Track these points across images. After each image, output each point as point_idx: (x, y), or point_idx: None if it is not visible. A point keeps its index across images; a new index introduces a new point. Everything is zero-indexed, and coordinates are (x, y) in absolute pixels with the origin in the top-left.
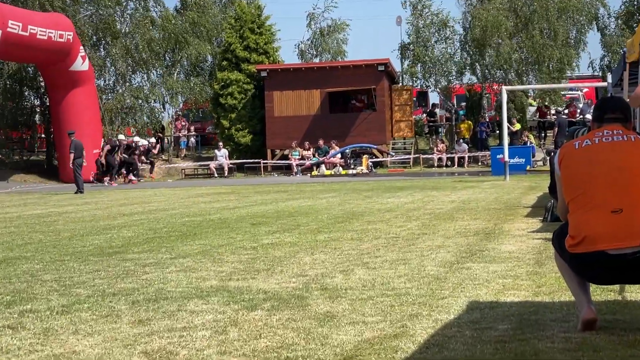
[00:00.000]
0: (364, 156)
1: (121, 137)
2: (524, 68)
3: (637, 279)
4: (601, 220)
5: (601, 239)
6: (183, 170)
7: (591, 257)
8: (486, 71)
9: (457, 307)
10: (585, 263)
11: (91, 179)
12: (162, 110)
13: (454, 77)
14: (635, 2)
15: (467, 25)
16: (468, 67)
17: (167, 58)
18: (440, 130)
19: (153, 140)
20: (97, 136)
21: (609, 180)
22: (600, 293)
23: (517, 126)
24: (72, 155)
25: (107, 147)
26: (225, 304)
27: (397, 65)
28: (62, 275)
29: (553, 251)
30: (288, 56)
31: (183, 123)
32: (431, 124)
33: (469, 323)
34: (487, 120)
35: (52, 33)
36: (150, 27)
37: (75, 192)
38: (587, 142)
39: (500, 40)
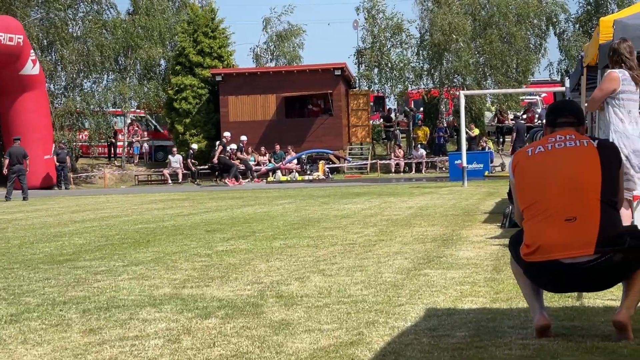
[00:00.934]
0: (321, 162)
1: (227, 134)
2: (482, 73)
3: (591, 288)
4: (555, 229)
5: (555, 248)
6: (136, 177)
7: (546, 266)
8: (444, 76)
9: (414, 314)
10: (540, 272)
11: (196, 182)
12: (114, 115)
13: (411, 82)
14: (591, 6)
15: (425, 30)
16: (425, 72)
17: (120, 62)
18: (397, 135)
19: (244, 138)
20: (48, 141)
21: (562, 188)
22: (558, 299)
23: (476, 131)
24: (6, 162)
25: (220, 147)
26: (179, 312)
27: (354, 70)
28: (11, 284)
29: (509, 257)
30: (243, 60)
31: (136, 128)
32: (387, 129)
33: (426, 330)
34: (445, 125)
35: (1, 36)
36: (103, 31)
37: (5, 199)
38: (540, 148)
39: (460, 45)
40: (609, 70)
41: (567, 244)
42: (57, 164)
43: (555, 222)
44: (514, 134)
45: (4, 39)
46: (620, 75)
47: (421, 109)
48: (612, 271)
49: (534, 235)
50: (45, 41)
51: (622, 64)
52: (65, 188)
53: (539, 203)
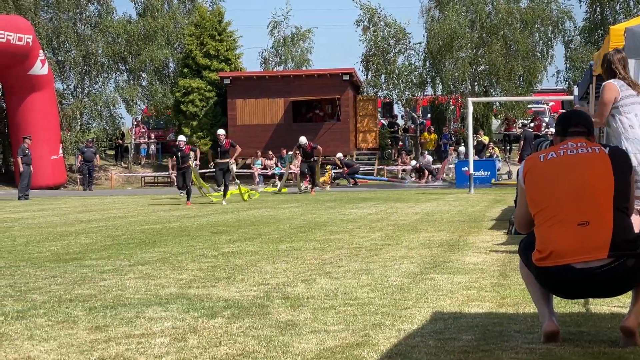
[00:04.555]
0: (327, 166)
1: (182, 138)
2: (487, 81)
3: (602, 294)
4: (567, 234)
5: (568, 252)
6: (143, 178)
7: (558, 271)
8: (450, 83)
9: (420, 318)
10: (552, 277)
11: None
12: (122, 116)
13: (416, 88)
14: (597, 18)
15: (428, 35)
16: (430, 79)
17: (129, 63)
18: (405, 141)
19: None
20: (56, 142)
21: (575, 193)
22: (565, 305)
23: (486, 138)
24: (19, 160)
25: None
26: (185, 311)
27: (362, 76)
28: (18, 281)
29: (519, 261)
30: (251, 64)
31: (143, 130)
32: (393, 134)
33: (433, 333)
34: (452, 132)
35: (10, 36)
36: (111, 31)
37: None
38: (552, 154)
39: (462, 54)
40: (605, 82)
41: (579, 249)
42: (82, 162)
43: (567, 227)
44: (522, 142)
45: (13, 38)
46: (616, 84)
47: (428, 115)
48: (624, 277)
49: (546, 240)
50: (54, 41)
51: (616, 75)
52: (89, 189)
53: (551, 208)
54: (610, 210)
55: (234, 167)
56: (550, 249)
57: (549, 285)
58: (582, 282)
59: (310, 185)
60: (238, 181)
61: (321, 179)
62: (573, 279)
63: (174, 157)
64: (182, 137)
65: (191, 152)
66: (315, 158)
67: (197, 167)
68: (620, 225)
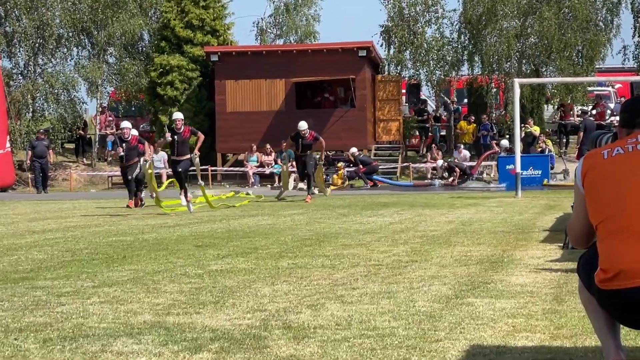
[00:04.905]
0: (339, 164)
1: (125, 124)
2: (538, 57)
3: None
4: None
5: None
6: (110, 178)
7: (629, 295)
8: (492, 61)
9: (454, 353)
10: (620, 302)
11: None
12: (84, 101)
13: (450, 67)
14: None
15: (465, 3)
16: (466, 56)
17: (94, 36)
18: (436, 132)
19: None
20: (1, 133)
21: None
22: (635, 336)
23: (536, 129)
24: None
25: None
26: (162, 344)
27: (382, 51)
28: None
29: (577, 282)
30: (244, 37)
31: (110, 118)
32: (421, 124)
33: None
34: (494, 121)
35: None
36: None
37: None
38: (618, 150)
39: (506, 24)
40: None
41: None
42: (34, 159)
43: (639, 242)
44: (581, 134)
45: None
46: None
47: (464, 100)
48: None
49: (613, 257)
50: (0, 9)
51: None
52: (44, 191)
53: (619, 217)
54: None
55: (197, 160)
56: (619, 267)
57: (616, 312)
58: None
59: (306, 188)
60: (201, 182)
61: (332, 185)
62: None
63: (120, 149)
64: (126, 124)
65: (140, 145)
66: (315, 154)
67: (148, 164)
68: None
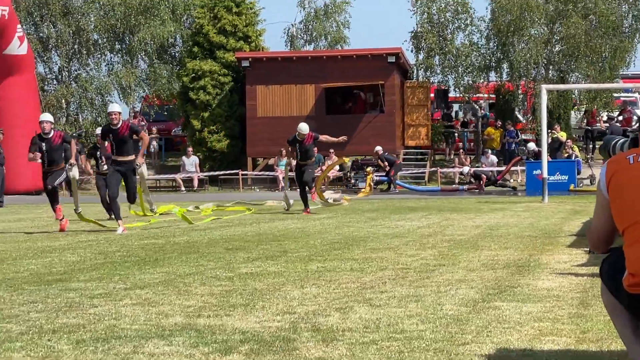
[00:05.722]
0: (368, 168)
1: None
2: (565, 63)
3: None
4: None
5: None
6: None
7: None
8: (519, 67)
9: (481, 355)
10: None
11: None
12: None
13: (478, 73)
14: None
15: (494, 10)
16: (495, 62)
17: (127, 41)
18: (464, 137)
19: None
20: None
21: None
22: None
23: (563, 135)
24: None
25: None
26: (193, 345)
27: (411, 58)
28: None
29: (600, 286)
30: (275, 42)
31: (142, 123)
32: (448, 129)
33: None
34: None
35: None
36: (105, 2)
37: None
38: None
39: (534, 30)
40: None
41: None
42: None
43: None
44: None
45: None
46: None
47: (493, 107)
48: None
49: None
50: (35, 15)
51: None
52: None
53: None
54: None
55: (143, 170)
56: None
57: None
58: None
59: (302, 201)
60: (149, 198)
61: (362, 191)
62: None
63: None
64: (46, 116)
65: (66, 144)
66: (313, 159)
67: (72, 168)
68: None
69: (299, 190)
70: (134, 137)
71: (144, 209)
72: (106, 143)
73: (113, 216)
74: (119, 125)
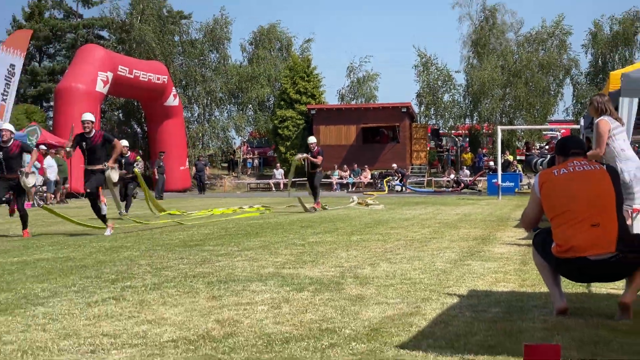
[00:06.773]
0: (387, 178)
1: (124, 142)
2: (513, 113)
3: (608, 279)
4: (584, 233)
5: (584, 247)
6: (248, 185)
7: (576, 262)
8: (484, 115)
9: (459, 294)
10: (571, 266)
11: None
12: (233, 138)
13: (458, 119)
14: (599, 65)
15: (468, 80)
16: (469, 112)
17: (240, 98)
18: (449, 159)
19: (126, 143)
20: (183, 156)
21: (589, 200)
22: (572, 287)
23: (511, 157)
24: (155, 171)
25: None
26: (279, 286)
27: (416, 108)
28: (154, 261)
29: (532, 251)
30: (332, 98)
31: (248, 148)
32: (440, 153)
33: (468, 306)
34: (484, 152)
35: (151, 76)
36: (227, 74)
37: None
38: (564, 170)
39: (494, 92)
40: (597, 119)
41: (594, 245)
42: (196, 172)
43: (583, 227)
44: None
45: (153, 78)
46: (606, 118)
47: (467, 139)
48: (626, 266)
49: (566, 238)
50: (183, 81)
51: (605, 112)
52: (202, 192)
53: (570, 212)
54: (614, 214)
55: (114, 175)
56: (570, 244)
57: (567, 272)
58: (594, 269)
59: (313, 197)
60: (123, 205)
61: (373, 195)
62: (588, 267)
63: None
64: (5, 125)
65: (27, 155)
66: (319, 170)
67: (27, 176)
68: (622, 226)
69: (309, 190)
70: (108, 144)
71: (158, 207)
72: (72, 149)
73: (120, 212)
74: (91, 134)
